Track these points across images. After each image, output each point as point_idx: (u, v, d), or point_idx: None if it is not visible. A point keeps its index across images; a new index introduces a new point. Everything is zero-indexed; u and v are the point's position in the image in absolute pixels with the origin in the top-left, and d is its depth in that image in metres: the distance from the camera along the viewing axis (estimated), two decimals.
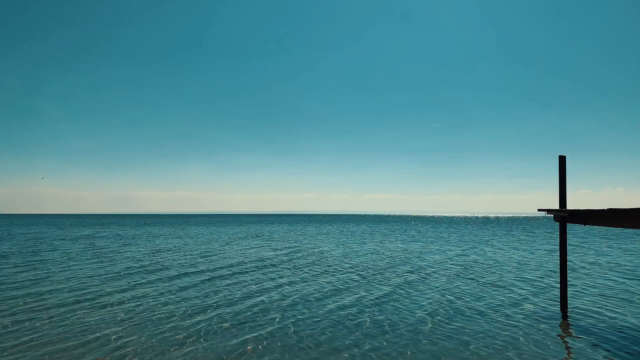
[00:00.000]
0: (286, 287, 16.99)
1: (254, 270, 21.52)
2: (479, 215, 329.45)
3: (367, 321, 11.72)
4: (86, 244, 38.11)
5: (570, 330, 11.09)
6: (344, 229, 75.66)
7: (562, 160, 12.90)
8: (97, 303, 13.87)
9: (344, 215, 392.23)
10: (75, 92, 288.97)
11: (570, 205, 13.19)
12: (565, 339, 10.22)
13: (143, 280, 18.25)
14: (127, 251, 31.77)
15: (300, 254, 29.91)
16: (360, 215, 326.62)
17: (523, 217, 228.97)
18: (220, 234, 59.73)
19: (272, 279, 18.77)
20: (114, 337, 10.19)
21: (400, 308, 13.37)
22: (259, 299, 14.68)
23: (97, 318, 11.95)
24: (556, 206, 13.19)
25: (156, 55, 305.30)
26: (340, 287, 17.04)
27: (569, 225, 76.54)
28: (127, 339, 10.00)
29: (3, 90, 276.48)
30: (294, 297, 15.02)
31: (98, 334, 10.39)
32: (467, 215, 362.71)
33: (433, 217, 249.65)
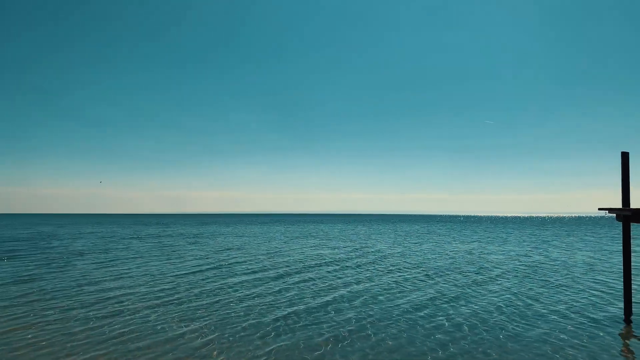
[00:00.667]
0: (354, 285, 16.93)
1: (319, 268, 21.68)
2: (534, 215, 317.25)
3: (444, 323, 11.43)
4: (153, 243, 39.71)
5: (634, 334, 10.58)
6: (396, 229, 74.97)
7: (625, 157, 12.14)
8: (175, 300, 14.26)
9: (390, 215, 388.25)
10: (124, 94, 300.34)
11: (634, 204, 12.46)
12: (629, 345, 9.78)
13: (215, 278, 18.72)
14: (194, 249, 32.82)
15: (360, 253, 29.86)
16: (408, 215, 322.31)
17: (584, 217, 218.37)
18: (275, 232, 60.65)
19: (339, 278, 18.83)
20: (196, 334, 10.38)
21: (475, 309, 12.99)
22: (331, 297, 14.70)
23: (178, 315, 12.26)
24: (619, 205, 12.51)
25: (196, 57, 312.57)
26: (409, 286, 16.81)
27: (634, 225, 72.35)
28: (209, 337, 10.17)
29: (59, 95, 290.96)
30: (365, 296, 14.93)
31: (180, 331, 10.62)
32: (520, 215, 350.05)
33: (484, 217, 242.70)
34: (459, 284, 17.35)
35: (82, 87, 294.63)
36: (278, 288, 16.39)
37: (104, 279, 18.40)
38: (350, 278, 18.83)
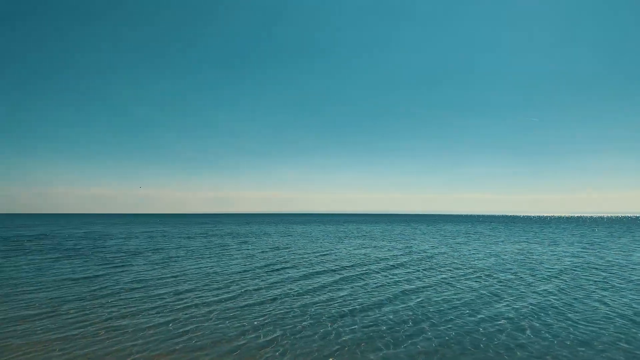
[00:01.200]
0: (406, 285, 16.66)
1: (369, 268, 21.49)
2: (587, 215, 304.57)
3: (506, 326, 11.08)
4: (203, 242, 40.51)
5: None
6: (439, 229, 73.69)
7: None
8: (233, 298, 14.48)
9: (433, 215, 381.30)
10: (167, 96, 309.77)
11: None
12: None
13: (268, 277, 18.90)
14: (243, 248, 33.27)
15: (406, 253, 29.39)
16: (451, 216, 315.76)
17: (632, 218, 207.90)
18: (321, 232, 60.80)
19: (390, 277, 18.54)
20: (257, 333, 10.50)
21: (536, 311, 12.49)
22: (384, 297, 14.52)
23: (237, 313, 12.45)
24: None
25: (236, 59, 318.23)
26: (462, 287, 16.42)
27: None
28: (270, 336, 10.27)
29: (106, 99, 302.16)
30: (419, 296, 14.60)
31: (241, 330, 10.77)
32: (570, 215, 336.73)
33: (532, 217, 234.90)
34: (512, 285, 16.85)
35: (127, 87, 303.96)
36: (331, 288, 16.41)
37: (162, 278, 18.87)
38: (400, 278, 18.63)
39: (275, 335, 10.34)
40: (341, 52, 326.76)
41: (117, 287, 16.50)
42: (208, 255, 28.17)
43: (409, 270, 21.44)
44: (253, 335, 10.29)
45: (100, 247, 34.77)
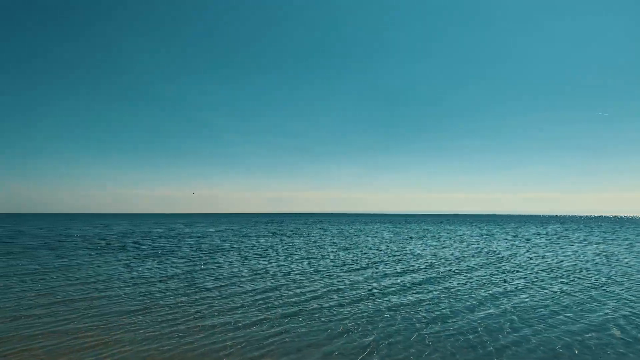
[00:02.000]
0: (510, 294, 15.46)
1: (457, 272, 20.46)
2: None
3: (612, 333, 10.06)
4: (275, 241, 40.94)
5: None
6: (506, 230, 70.65)
7: None
8: (317, 298, 14.25)
9: (496, 215, 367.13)
10: (231, 99, 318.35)
11: None
12: None
13: (347, 277, 18.54)
14: (316, 248, 33.23)
15: (477, 254, 28.07)
16: (515, 216, 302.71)
17: None
18: (386, 232, 59.88)
19: (482, 284, 17.30)
20: (351, 336, 10.19)
21: None
22: (491, 307, 13.48)
23: (325, 314, 12.18)
24: None
25: (290, 62, 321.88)
26: (580, 296, 15.06)
27: None
28: (365, 339, 9.91)
29: (177, 104, 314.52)
30: (533, 310, 13.18)
31: (336, 332, 10.49)
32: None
33: (604, 217, 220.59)
34: (609, 289, 15.44)
35: (188, 92, 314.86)
36: (415, 289, 15.79)
37: (244, 276, 19.03)
38: (484, 280, 17.67)
39: (368, 339, 9.93)
40: (405, 50, 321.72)
41: (202, 284, 16.79)
42: (282, 254, 28.37)
43: (490, 271, 20.40)
44: (346, 339, 9.92)
45: (179, 245, 36.04)
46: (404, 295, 14.84)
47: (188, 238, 45.93)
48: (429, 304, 13.57)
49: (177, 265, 22.68)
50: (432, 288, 16.26)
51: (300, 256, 27.34)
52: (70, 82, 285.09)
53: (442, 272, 20.31)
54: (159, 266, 22.20)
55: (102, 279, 18.07)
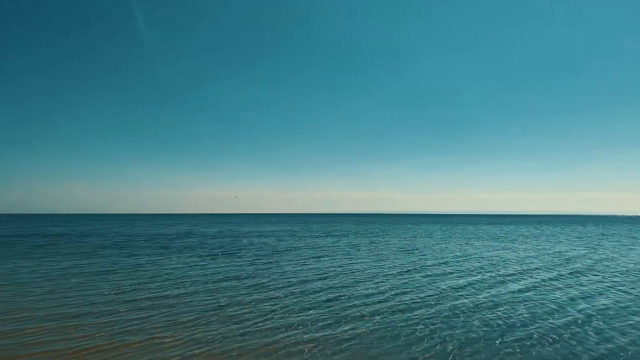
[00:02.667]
0: (594, 298, 14.44)
1: (529, 275, 19.29)
2: None
3: None
4: (332, 241, 40.90)
5: None
6: (569, 230, 67.06)
7: None
8: (387, 300, 13.79)
9: (553, 215, 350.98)
10: (273, 99, 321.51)
11: None
12: None
13: (415, 280, 17.94)
14: (375, 249, 32.75)
15: (550, 257, 26.60)
16: (573, 216, 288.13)
17: None
18: (444, 232, 58.34)
19: (557, 287, 16.36)
20: (430, 342, 9.70)
21: None
22: (573, 312, 12.66)
23: (399, 317, 11.73)
24: None
25: (333, 62, 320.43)
26: None
27: None
28: (449, 348, 9.40)
29: (220, 106, 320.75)
30: (624, 317, 12.38)
31: (414, 336, 10.03)
32: None
33: None
34: None
35: (231, 93, 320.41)
36: (484, 292, 14.99)
37: (310, 276, 18.88)
38: (554, 283, 16.56)
39: (449, 346, 9.33)
40: (451, 48, 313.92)
41: (270, 284, 16.74)
42: (342, 255, 28.08)
43: (561, 273, 19.12)
44: (425, 345, 9.40)
45: (239, 245, 36.56)
46: (477, 298, 14.12)
47: (245, 237, 46.54)
48: (505, 307, 12.82)
49: (242, 265, 22.84)
50: (504, 290, 15.42)
51: (360, 257, 26.93)
52: (118, 85, 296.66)
53: (511, 274, 19.32)
54: (224, 266, 22.43)
55: (171, 278, 18.41)
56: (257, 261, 24.38)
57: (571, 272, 19.92)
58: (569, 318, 11.60)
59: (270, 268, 21.45)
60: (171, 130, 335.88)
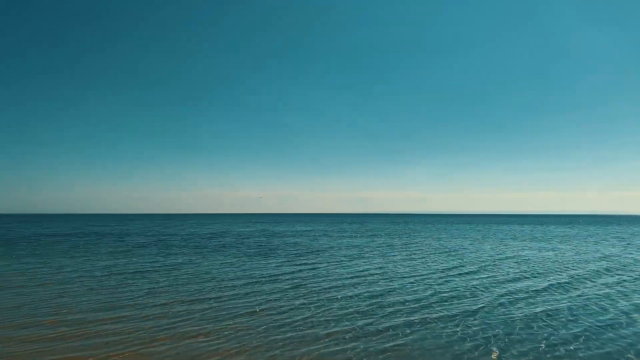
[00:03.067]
0: None
1: (584, 279, 18.09)
2: None
3: None
4: (365, 241, 40.21)
5: None
6: (611, 231, 64.17)
7: None
8: (430, 304, 13.07)
9: (593, 215, 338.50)
10: (303, 96, 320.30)
11: None
12: None
13: (463, 282, 17.12)
14: (413, 249, 31.93)
15: (606, 260, 24.98)
16: (612, 216, 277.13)
17: None
18: (482, 233, 56.69)
19: (619, 292, 15.09)
20: (479, 347, 8.96)
21: None
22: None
23: (441, 321, 10.97)
24: None
25: (367, 60, 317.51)
26: None
27: None
28: (507, 357, 8.69)
29: (259, 108, 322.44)
30: None
31: (462, 342, 9.31)
32: None
33: None
34: None
35: (261, 93, 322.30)
36: (538, 297, 14.01)
37: (348, 278, 18.30)
38: (615, 287, 15.40)
39: (507, 354, 8.63)
40: (488, 44, 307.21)
41: (309, 285, 16.26)
42: (379, 255, 27.39)
43: (620, 278, 17.83)
44: (483, 356, 8.70)
45: (275, 244, 36.39)
46: (532, 305, 13.11)
47: (280, 237, 46.43)
48: (566, 315, 11.83)
49: (278, 265, 22.50)
50: (560, 297, 14.33)
51: (397, 257, 26.19)
52: (157, 88, 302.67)
53: (564, 278, 18.16)
54: (262, 265, 22.13)
55: (209, 277, 18.21)
56: (293, 261, 23.98)
57: (634, 278, 18.65)
58: (619, 319, 10.64)
59: (307, 268, 21.00)
60: (197, 132, 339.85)
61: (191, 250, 30.52)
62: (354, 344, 9.23)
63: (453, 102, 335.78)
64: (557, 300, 13.74)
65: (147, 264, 22.50)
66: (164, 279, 17.84)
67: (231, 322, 10.92)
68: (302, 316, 11.62)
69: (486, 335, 9.88)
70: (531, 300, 13.65)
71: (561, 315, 11.69)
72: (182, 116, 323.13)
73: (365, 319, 11.37)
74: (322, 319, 11.35)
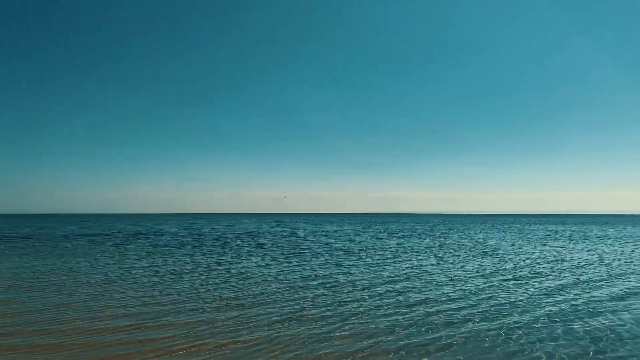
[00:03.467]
0: None
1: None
2: None
3: None
4: (400, 241, 39.58)
5: None
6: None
7: None
8: (474, 306, 12.47)
9: (620, 216, 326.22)
10: (329, 97, 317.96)
11: None
12: None
13: (509, 287, 16.40)
14: (450, 250, 31.20)
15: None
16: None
17: None
18: (518, 233, 55.14)
19: None
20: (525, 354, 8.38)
21: None
22: None
23: (486, 325, 10.36)
24: None
25: (393, 59, 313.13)
26: None
27: None
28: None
29: (285, 108, 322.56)
30: None
31: (510, 349, 8.74)
32: None
33: None
34: None
35: (292, 94, 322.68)
36: (587, 299, 13.23)
37: (387, 280, 17.83)
38: None
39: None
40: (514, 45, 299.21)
41: (348, 288, 15.86)
42: (415, 256, 26.79)
43: None
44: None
45: (309, 245, 36.25)
46: (594, 316, 12.29)
47: (312, 237, 46.21)
48: (605, 314, 11.05)
49: (314, 265, 22.27)
50: (599, 295, 13.47)
51: (434, 258, 25.59)
52: (186, 88, 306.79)
53: (600, 278, 17.16)
54: (298, 265, 21.97)
55: (246, 277, 18.14)
56: (328, 261, 23.68)
57: None
58: None
59: (343, 269, 20.66)
60: (225, 133, 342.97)
61: (226, 250, 30.64)
62: (396, 348, 8.79)
63: (479, 101, 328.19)
64: (597, 299, 12.91)
65: (184, 264, 22.58)
66: (202, 279, 17.81)
67: (269, 323, 10.73)
68: (339, 318, 11.30)
69: (528, 335, 9.29)
70: (588, 309, 12.86)
71: (601, 315, 10.92)
72: (209, 116, 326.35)
73: (405, 321, 10.90)
74: (361, 320, 11.01)
